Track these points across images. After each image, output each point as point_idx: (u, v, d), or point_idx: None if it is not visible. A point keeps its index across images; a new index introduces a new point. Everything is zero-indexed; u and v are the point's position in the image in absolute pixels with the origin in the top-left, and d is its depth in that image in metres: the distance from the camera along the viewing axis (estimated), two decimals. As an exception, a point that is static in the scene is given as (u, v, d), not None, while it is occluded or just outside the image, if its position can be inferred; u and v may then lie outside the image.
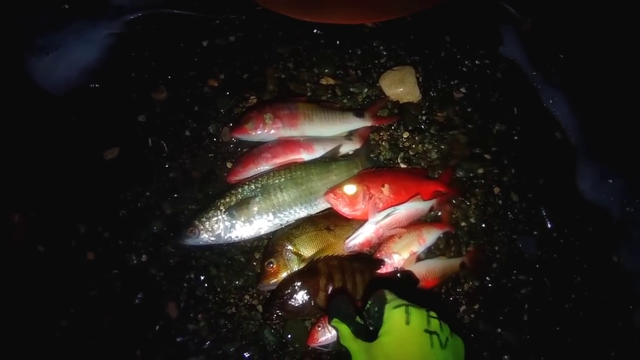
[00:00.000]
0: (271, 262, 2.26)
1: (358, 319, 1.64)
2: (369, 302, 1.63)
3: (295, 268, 2.27)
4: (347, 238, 2.32)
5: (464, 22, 3.01)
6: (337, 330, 1.64)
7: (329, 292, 2.16)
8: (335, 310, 1.70)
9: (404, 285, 2.30)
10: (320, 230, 2.36)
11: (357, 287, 2.21)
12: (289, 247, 2.30)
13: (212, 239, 2.31)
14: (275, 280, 2.25)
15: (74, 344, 2.33)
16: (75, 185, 2.54)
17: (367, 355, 1.51)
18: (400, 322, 1.48)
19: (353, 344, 1.57)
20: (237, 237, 2.33)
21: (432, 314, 1.53)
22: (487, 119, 2.79)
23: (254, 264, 2.43)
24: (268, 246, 2.37)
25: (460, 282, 2.51)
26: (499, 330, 2.46)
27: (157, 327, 2.36)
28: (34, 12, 2.78)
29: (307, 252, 2.31)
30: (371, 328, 1.60)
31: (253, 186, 2.33)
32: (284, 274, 2.26)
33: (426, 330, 1.47)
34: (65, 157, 2.58)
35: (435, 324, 1.50)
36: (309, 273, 2.22)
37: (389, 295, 1.59)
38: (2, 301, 2.36)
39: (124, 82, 2.73)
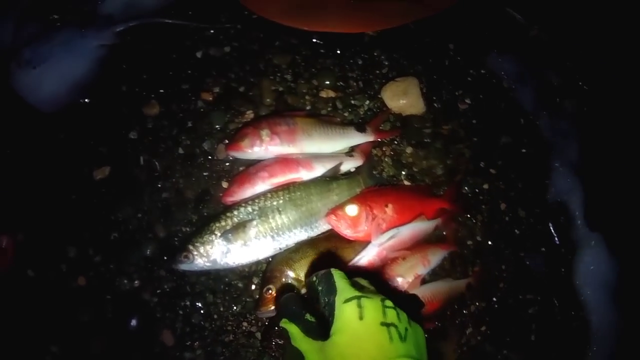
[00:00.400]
0: (270, 289, 2.18)
1: (309, 316, 1.53)
2: (314, 279, 1.60)
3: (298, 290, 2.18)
4: (349, 261, 2.25)
5: (468, 29, 2.95)
6: (286, 331, 1.53)
7: None
8: (284, 310, 1.62)
9: (409, 308, 2.20)
10: (321, 253, 2.27)
11: None
12: (289, 272, 2.22)
13: (207, 264, 2.22)
14: (274, 306, 2.16)
15: None
16: (65, 206, 2.46)
17: (321, 355, 1.41)
18: (353, 318, 1.38)
19: (304, 344, 1.46)
20: (233, 262, 2.24)
21: (388, 302, 1.44)
22: (493, 131, 2.74)
23: (252, 289, 2.37)
24: (266, 271, 2.29)
25: (467, 303, 2.45)
26: (506, 352, 2.42)
27: (152, 355, 2.29)
28: (20, 22, 2.67)
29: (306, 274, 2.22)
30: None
31: (250, 208, 2.25)
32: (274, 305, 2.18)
33: (382, 324, 1.37)
34: (53, 176, 2.50)
35: (392, 314, 1.40)
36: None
37: (339, 282, 1.52)
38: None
39: (115, 97, 2.65)
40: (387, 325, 1.37)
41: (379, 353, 1.32)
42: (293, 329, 1.51)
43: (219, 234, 2.21)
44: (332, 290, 1.50)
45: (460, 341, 2.41)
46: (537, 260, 2.58)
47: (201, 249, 2.21)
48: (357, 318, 1.38)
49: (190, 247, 2.21)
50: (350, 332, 1.37)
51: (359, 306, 1.41)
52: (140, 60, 2.73)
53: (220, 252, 2.22)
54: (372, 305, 1.41)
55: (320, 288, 1.56)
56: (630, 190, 2.68)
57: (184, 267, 2.23)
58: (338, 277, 1.55)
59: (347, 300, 1.43)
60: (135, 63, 2.72)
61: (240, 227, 2.22)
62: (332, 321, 1.43)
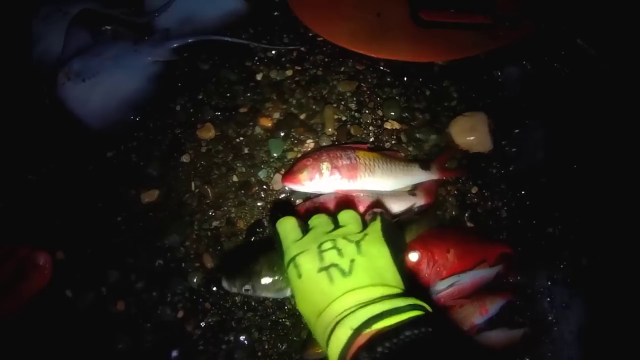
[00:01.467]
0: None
1: None
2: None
3: None
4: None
5: (539, 62, 2.89)
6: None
7: None
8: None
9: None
10: None
11: None
12: None
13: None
14: (322, 350, 2.06)
15: None
16: (109, 227, 2.44)
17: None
18: (295, 280, 1.45)
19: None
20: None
21: (326, 245, 1.47)
22: (563, 172, 2.67)
23: (301, 327, 2.31)
24: None
25: (521, 354, 2.39)
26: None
27: (191, 389, 2.22)
28: (72, 33, 2.65)
29: None
30: None
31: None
32: None
33: (320, 269, 1.40)
34: (99, 195, 2.48)
35: (330, 255, 1.44)
36: None
37: (284, 242, 1.59)
38: (22, 345, 2.26)
39: (167, 116, 2.62)
40: (325, 269, 1.40)
41: (322, 298, 1.35)
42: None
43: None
44: (280, 254, 1.59)
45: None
46: (596, 310, 2.48)
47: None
48: (297, 278, 1.44)
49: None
50: (297, 293, 1.46)
51: (295, 266, 1.46)
52: (197, 79, 2.70)
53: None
54: (306, 258, 1.45)
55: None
56: None
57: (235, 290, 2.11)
58: (283, 233, 1.63)
59: (287, 265, 1.50)
60: (191, 82, 2.70)
61: None
62: None
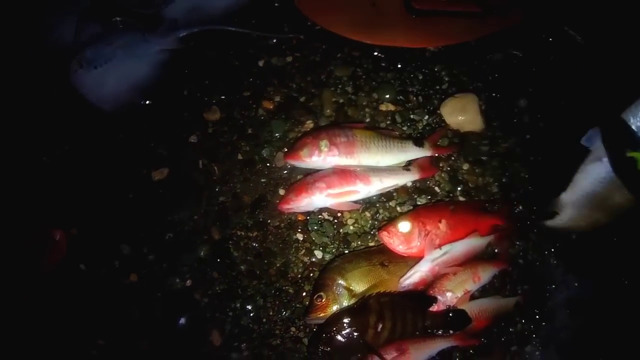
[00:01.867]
0: (320, 296, 2.25)
1: None
2: None
3: (345, 303, 2.25)
4: (401, 276, 2.30)
5: (527, 48, 2.97)
6: None
7: (378, 330, 2.15)
8: None
9: (457, 325, 2.29)
10: (374, 265, 2.34)
11: (407, 326, 2.20)
12: (341, 281, 2.28)
13: None
14: (323, 314, 2.23)
15: None
16: (121, 204, 2.58)
17: None
18: None
19: None
20: None
21: None
22: (549, 150, 2.73)
23: (303, 295, 2.42)
24: (319, 279, 2.36)
25: (514, 321, 2.46)
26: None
27: (199, 353, 2.37)
28: (82, 22, 2.78)
29: (359, 287, 2.29)
30: None
31: None
32: (333, 309, 2.24)
33: None
34: (111, 174, 2.62)
35: None
36: (360, 310, 2.20)
37: None
38: (41, 315, 2.40)
39: (176, 100, 2.75)
40: None
41: None
42: None
43: None
44: None
45: (505, 359, 2.42)
46: (586, 283, 2.55)
47: None
48: None
49: None
50: None
51: None
52: (203, 66, 2.83)
53: None
54: None
55: None
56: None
57: None
58: None
59: None
60: (198, 69, 2.82)
61: None
62: None
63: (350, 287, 2.27)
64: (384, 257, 2.36)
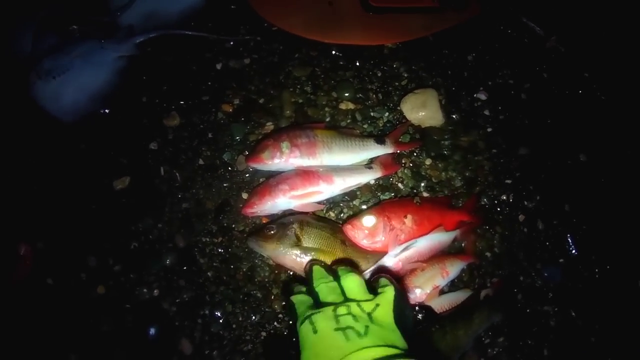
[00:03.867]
0: (272, 228, 2.28)
1: None
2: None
3: (285, 249, 2.25)
4: (363, 271, 2.28)
5: (486, 41, 2.97)
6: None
7: None
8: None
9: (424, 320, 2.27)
10: (335, 238, 2.32)
11: None
12: (296, 227, 2.28)
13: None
14: (262, 244, 2.27)
15: None
16: (85, 215, 2.50)
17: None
18: (309, 334, 1.49)
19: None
20: None
21: (341, 310, 1.56)
22: (511, 142, 2.75)
23: (272, 298, 2.38)
24: (282, 217, 2.38)
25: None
26: (523, 363, 2.35)
27: (171, 364, 2.26)
28: (39, 33, 2.72)
29: (308, 243, 2.27)
30: None
31: None
32: (272, 245, 2.25)
33: (336, 329, 1.47)
34: (73, 186, 2.54)
35: (345, 319, 1.51)
36: None
37: (298, 308, 1.66)
38: (9, 335, 2.33)
39: (135, 108, 2.69)
40: (341, 329, 1.46)
41: (337, 352, 1.40)
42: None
43: None
44: (294, 318, 1.65)
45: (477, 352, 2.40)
46: (555, 272, 2.56)
47: None
48: (311, 333, 1.50)
49: None
50: (309, 346, 1.48)
51: (311, 322, 1.52)
52: (160, 71, 2.77)
53: None
54: (322, 317, 1.53)
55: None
56: None
57: None
58: (297, 303, 1.69)
59: (302, 322, 1.56)
60: (155, 74, 2.76)
61: None
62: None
63: (301, 238, 2.27)
64: (347, 251, 2.34)
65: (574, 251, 2.59)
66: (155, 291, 2.39)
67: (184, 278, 2.41)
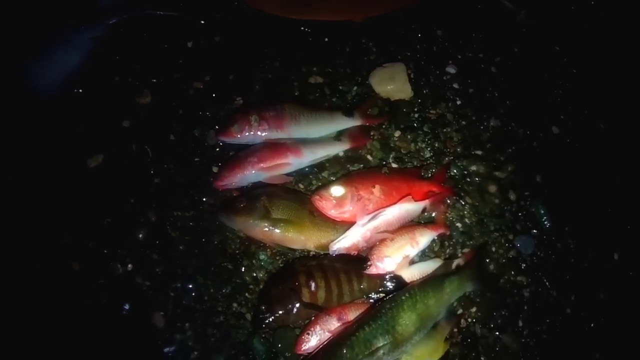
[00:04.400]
0: (241, 201, 2.29)
1: None
2: None
3: (257, 222, 2.26)
4: (331, 241, 2.26)
5: (455, 15, 2.96)
6: None
7: (312, 288, 2.15)
8: None
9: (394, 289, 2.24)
10: (303, 208, 2.33)
11: (342, 285, 2.20)
12: (265, 199, 2.28)
13: None
14: (232, 215, 2.29)
15: (63, 357, 2.28)
16: (59, 193, 2.48)
17: None
18: None
19: None
20: None
21: None
22: (481, 114, 2.73)
23: (242, 270, 2.38)
24: (252, 190, 2.38)
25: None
26: (497, 333, 2.39)
27: (144, 338, 2.30)
28: (16, 16, 2.67)
29: (277, 215, 2.28)
30: None
31: (377, 326, 2.04)
32: (242, 217, 2.26)
33: None
34: (48, 164, 2.52)
35: None
36: (287, 273, 2.23)
37: None
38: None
39: (108, 87, 2.67)
40: None
41: None
42: None
43: None
44: None
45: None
46: (527, 242, 2.54)
47: None
48: None
49: None
50: None
51: None
52: (133, 51, 2.75)
53: None
54: None
55: None
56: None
57: None
58: None
59: None
60: (128, 54, 2.74)
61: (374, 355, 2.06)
62: None
63: (270, 210, 2.27)
64: (314, 222, 2.32)
65: (546, 222, 2.57)
66: (129, 266, 2.38)
67: (157, 252, 2.40)
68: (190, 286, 2.36)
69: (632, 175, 2.74)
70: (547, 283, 2.50)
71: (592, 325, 2.49)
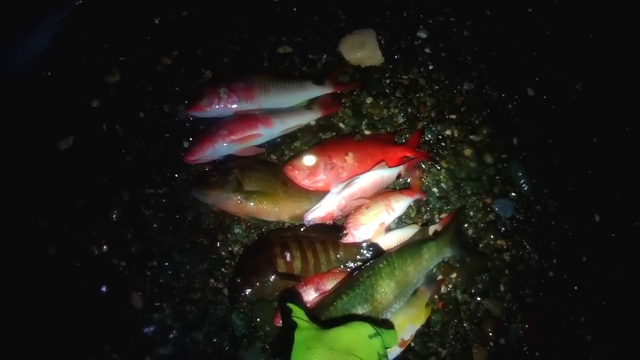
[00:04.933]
0: (214, 175, 2.25)
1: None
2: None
3: (230, 195, 2.23)
4: (305, 211, 2.22)
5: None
6: (289, 310, 1.71)
7: (288, 259, 2.10)
8: (290, 297, 1.83)
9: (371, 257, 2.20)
10: (277, 179, 2.29)
11: (319, 255, 2.16)
12: (237, 171, 2.24)
13: None
14: (204, 190, 2.25)
15: (42, 342, 2.22)
16: (32, 178, 2.42)
17: (315, 333, 1.60)
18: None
19: (303, 322, 1.65)
20: None
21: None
22: (454, 78, 2.69)
23: (218, 245, 2.34)
24: (224, 163, 2.35)
25: None
26: (479, 299, 2.35)
27: (123, 319, 2.24)
28: (-19, 2, 2.61)
29: (250, 187, 2.25)
30: None
31: (355, 293, 2.03)
32: (215, 191, 2.23)
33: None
34: (19, 149, 2.46)
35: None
36: (261, 245, 2.19)
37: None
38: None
39: (77, 68, 2.60)
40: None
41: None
42: (297, 309, 1.71)
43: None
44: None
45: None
46: (506, 205, 2.51)
47: None
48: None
49: None
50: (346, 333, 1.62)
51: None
52: (100, 31, 2.68)
53: None
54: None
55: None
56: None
57: None
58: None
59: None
60: (95, 34, 2.68)
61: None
62: None
63: (242, 182, 2.24)
64: (287, 192, 2.29)
65: (525, 185, 2.54)
66: (104, 247, 2.32)
67: (131, 231, 2.35)
68: (167, 264, 2.31)
69: (609, 134, 2.71)
70: (527, 246, 2.47)
71: (575, 288, 2.47)
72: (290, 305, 1.74)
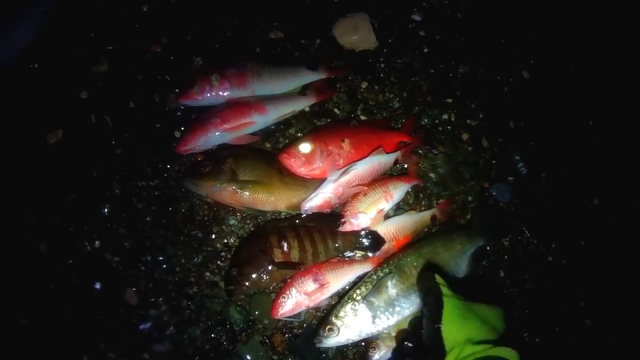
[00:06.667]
0: (207, 165, 2.10)
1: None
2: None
3: (224, 185, 2.08)
4: (302, 200, 2.09)
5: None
6: (432, 276, 1.70)
7: (285, 249, 1.98)
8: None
9: (370, 246, 2.10)
10: (272, 168, 2.15)
11: (316, 245, 2.03)
12: (231, 161, 2.10)
13: (354, 335, 1.97)
14: (197, 180, 2.10)
15: (36, 341, 2.08)
16: (20, 173, 2.26)
17: (463, 304, 1.61)
18: None
19: (449, 290, 1.65)
20: (382, 327, 1.98)
21: None
22: (449, 62, 2.55)
23: (212, 237, 2.19)
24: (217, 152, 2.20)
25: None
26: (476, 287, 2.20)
27: (118, 316, 2.10)
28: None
29: (245, 176, 2.10)
30: None
31: (387, 269, 2.00)
32: (209, 182, 2.08)
33: None
34: (7, 143, 2.29)
35: None
36: (257, 236, 2.06)
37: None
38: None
39: (64, 59, 2.43)
40: None
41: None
42: (437, 276, 1.69)
43: (360, 300, 1.97)
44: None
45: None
46: (503, 190, 2.39)
47: (346, 319, 1.96)
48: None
49: (334, 320, 1.96)
50: None
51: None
52: (87, 20, 2.50)
53: (365, 318, 1.97)
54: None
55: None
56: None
57: (329, 342, 1.97)
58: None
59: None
60: (82, 24, 2.49)
61: (381, 286, 1.98)
62: None
63: (237, 171, 2.10)
64: (283, 181, 2.16)
65: (522, 168, 2.42)
66: (96, 242, 2.17)
67: (124, 226, 2.20)
68: (161, 258, 2.17)
69: (606, 116, 2.59)
70: (526, 231, 2.37)
71: (574, 273, 2.36)
72: (432, 273, 1.72)
